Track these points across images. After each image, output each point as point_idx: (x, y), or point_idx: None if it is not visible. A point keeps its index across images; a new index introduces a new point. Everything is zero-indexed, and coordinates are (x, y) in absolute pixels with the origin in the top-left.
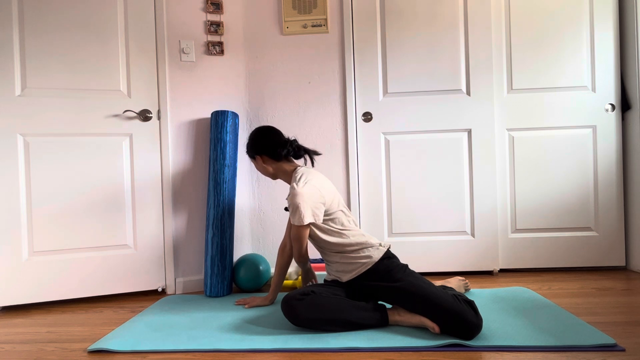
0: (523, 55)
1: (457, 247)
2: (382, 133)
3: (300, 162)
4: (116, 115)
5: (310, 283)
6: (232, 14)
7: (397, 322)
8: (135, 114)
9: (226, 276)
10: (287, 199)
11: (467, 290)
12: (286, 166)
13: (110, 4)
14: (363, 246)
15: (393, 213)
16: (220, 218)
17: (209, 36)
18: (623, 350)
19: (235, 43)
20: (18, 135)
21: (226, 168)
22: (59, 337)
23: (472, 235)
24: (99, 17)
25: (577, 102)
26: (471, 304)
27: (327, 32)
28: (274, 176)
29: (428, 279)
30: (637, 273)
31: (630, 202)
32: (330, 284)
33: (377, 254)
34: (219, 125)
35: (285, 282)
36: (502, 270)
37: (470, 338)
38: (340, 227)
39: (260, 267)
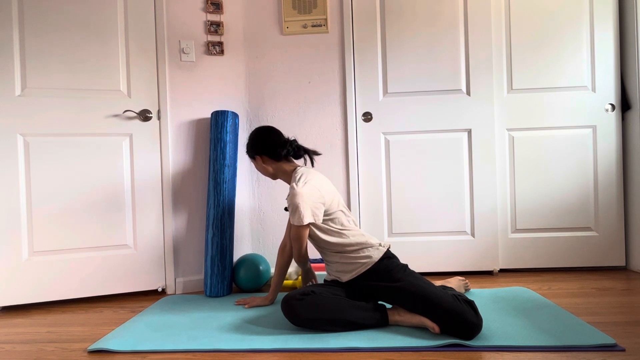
0: (523, 55)
1: (457, 247)
2: (382, 133)
3: (300, 162)
4: (116, 115)
5: (310, 283)
6: (232, 14)
7: (397, 322)
8: (135, 114)
9: (226, 276)
10: (286, 199)
11: (467, 290)
12: (286, 166)
13: (110, 4)
14: (363, 246)
15: (393, 213)
16: (220, 218)
17: (209, 36)
18: (623, 350)
19: (235, 43)
20: (18, 135)
21: (226, 168)
22: (59, 337)
23: (472, 235)
24: (99, 17)
25: (577, 102)
26: (471, 304)
27: (327, 32)
28: (273, 176)
29: (428, 279)
30: (637, 273)
31: (630, 202)
32: (330, 284)
33: (377, 254)
34: (219, 125)
35: (285, 282)
36: (502, 270)
37: (470, 338)
38: (340, 227)
39: (260, 267)
